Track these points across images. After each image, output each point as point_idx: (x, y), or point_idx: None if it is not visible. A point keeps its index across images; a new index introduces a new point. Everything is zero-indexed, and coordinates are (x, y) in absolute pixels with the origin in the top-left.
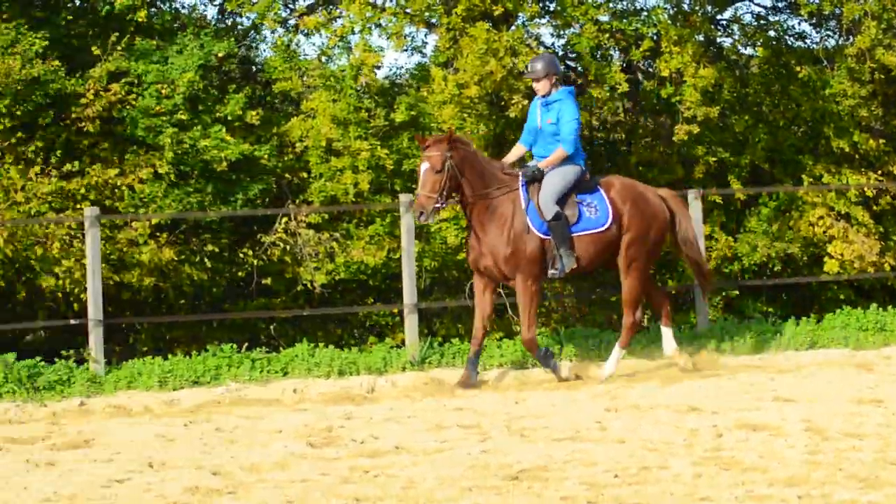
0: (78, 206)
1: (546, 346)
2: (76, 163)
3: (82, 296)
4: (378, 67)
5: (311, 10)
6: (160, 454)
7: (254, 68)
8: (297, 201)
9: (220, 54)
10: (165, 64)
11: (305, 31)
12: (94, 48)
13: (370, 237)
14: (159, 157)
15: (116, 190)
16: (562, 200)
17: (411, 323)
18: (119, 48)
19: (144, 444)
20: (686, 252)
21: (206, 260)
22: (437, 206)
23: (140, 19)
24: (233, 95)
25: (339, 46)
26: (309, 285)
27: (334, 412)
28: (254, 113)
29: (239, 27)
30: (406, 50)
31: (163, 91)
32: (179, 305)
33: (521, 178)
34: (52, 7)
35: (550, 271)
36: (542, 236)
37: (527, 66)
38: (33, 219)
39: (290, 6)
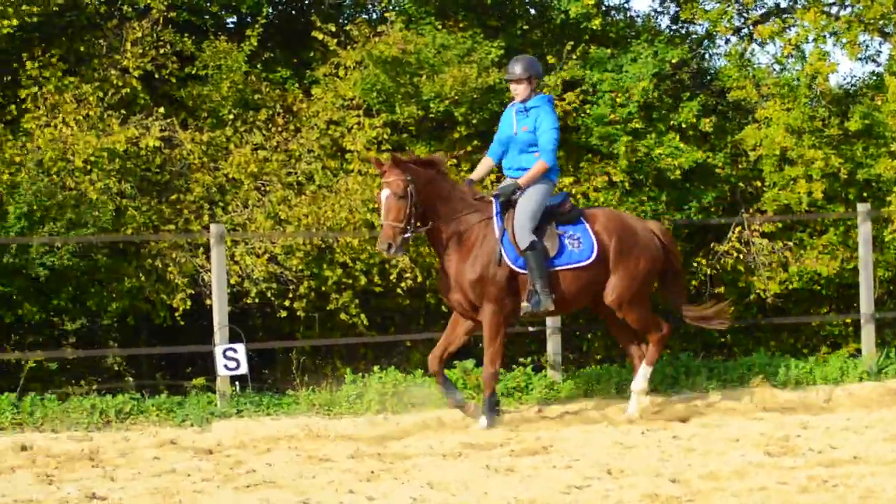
0: None
1: (497, 398)
2: None
3: None
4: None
5: (764, 18)
6: (618, 461)
7: (707, 76)
8: (751, 210)
9: (673, 61)
10: (620, 72)
11: (759, 39)
12: (549, 57)
13: (823, 246)
14: (614, 165)
15: (571, 198)
16: (540, 230)
17: (868, 333)
18: (574, 56)
19: (602, 450)
20: (672, 290)
21: None
22: (406, 235)
23: (594, 28)
24: (687, 103)
25: (792, 55)
26: (762, 294)
27: (791, 421)
28: (707, 121)
29: (692, 35)
30: (860, 59)
31: (617, 99)
32: None
33: (495, 203)
34: (507, 16)
35: (523, 305)
36: (516, 269)
37: (507, 68)
38: None
39: (744, 15)
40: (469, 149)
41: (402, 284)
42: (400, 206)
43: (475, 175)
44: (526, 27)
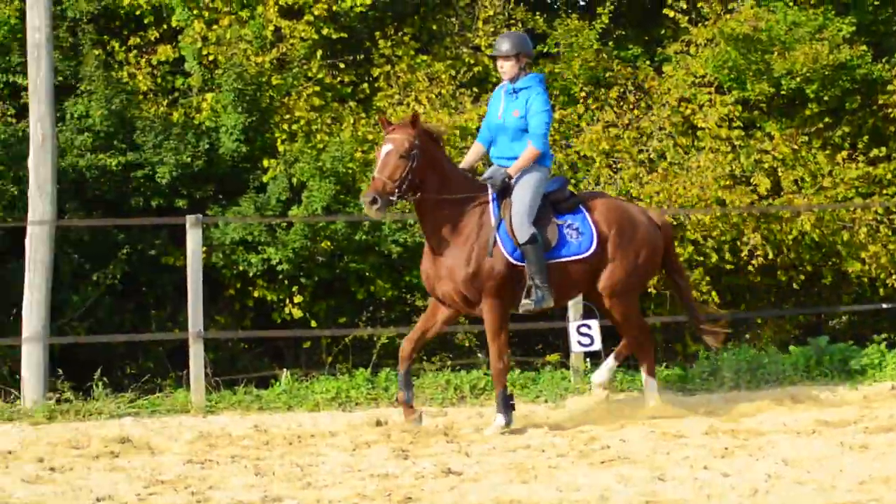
0: (884, 191)
1: (510, 391)
2: (883, 148)
3: (888, 281)
4: None
5: None
6: None
7: None
8: None
9: None
10: None
11: None
12: None
13: None
14: None
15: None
16: (539, 221)
17: None
18: None
19: None
20: (677, 283)
21: None
22: (393, 196)
23: None
24: None
25: None
26: None
27: None
28: None
29: None
30: None
31: None
32: None
33: (490, 190)
34: None
35: (524, 302)
36: (513, 262)
37: (494, 45)
38: (840, 203)
39: None
40: (821, 126)
41: (753, 262)
42: (398, 165)
43: (465, 163)
44: (878, 3)
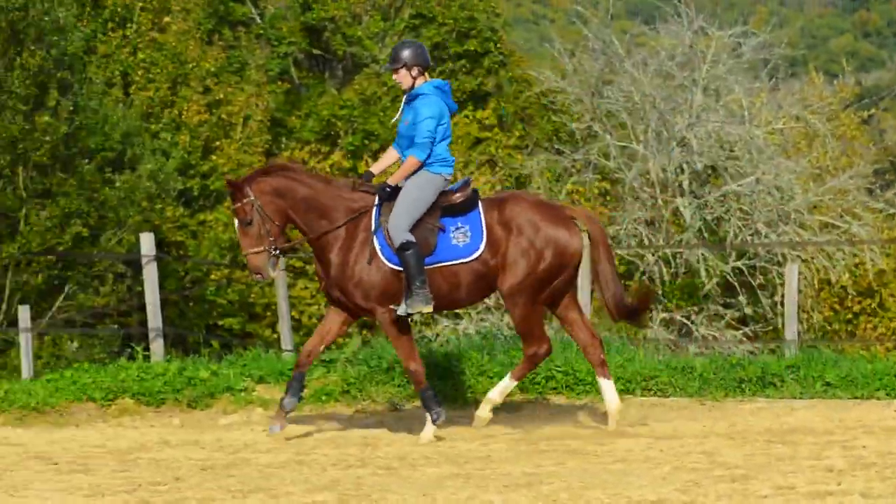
0: None
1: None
2: None
3: None
4: None
5: None
6: None
7: None
8: None
9: None
10: None
11: None
12: None
13: None
14: None
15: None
16: (422, 225)
17: None
18: None
19: None
20: (602, 284)
21: None
22: (274, 255)
23: None
24: None
25: None
26: None
27: None
28: None
29: None
30: None
31: None
32: None
33: (375, 197)
34: None
35: (398, 307)
36: (394, 267)
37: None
38: None
39: None
40: None
41: None
42: (252, 232)
43: (375, 167)
44: None
